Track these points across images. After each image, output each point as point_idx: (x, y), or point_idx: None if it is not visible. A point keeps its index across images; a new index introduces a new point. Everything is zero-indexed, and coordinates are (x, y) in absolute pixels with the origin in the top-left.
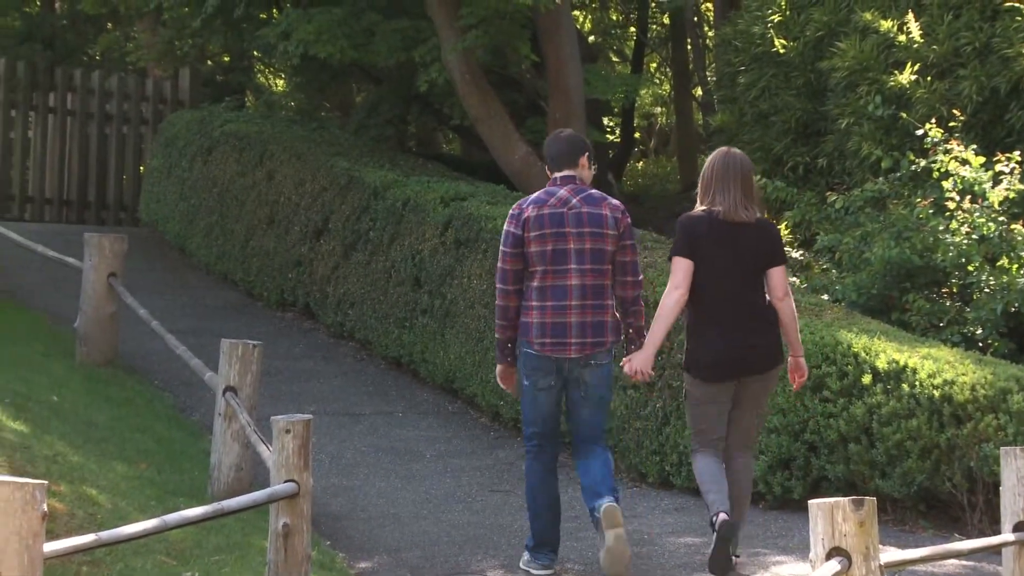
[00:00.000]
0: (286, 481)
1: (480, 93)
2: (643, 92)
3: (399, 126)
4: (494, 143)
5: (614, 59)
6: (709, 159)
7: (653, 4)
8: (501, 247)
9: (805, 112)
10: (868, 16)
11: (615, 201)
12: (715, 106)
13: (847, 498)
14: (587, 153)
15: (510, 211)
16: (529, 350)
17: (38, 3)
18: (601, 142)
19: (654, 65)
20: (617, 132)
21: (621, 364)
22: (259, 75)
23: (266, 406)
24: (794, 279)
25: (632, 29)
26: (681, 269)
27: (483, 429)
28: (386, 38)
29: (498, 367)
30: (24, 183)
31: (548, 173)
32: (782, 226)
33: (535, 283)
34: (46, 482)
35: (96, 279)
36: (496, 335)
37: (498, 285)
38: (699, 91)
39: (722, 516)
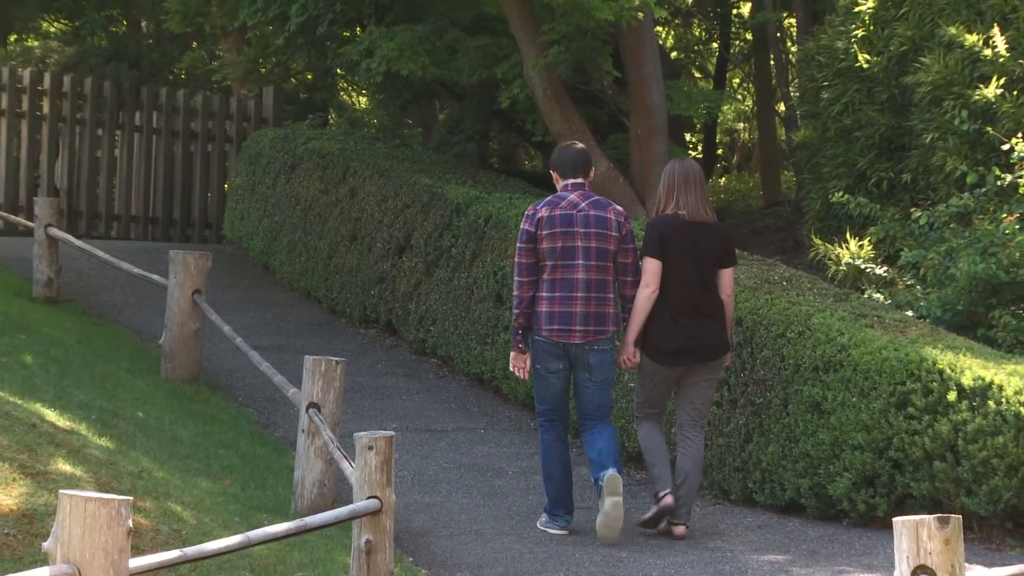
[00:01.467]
0: (369, 497)
1: (562, 109)
2: (725, 108)
3: (481, 143)
4: None
5: (696, 75)
6: (667, 169)
7: (736, 20)
8: (518, 243)
9: (889, 127)
10: (953, 30)
11: (618, 207)
12: (798, 121)
13: (932, 516)
14: (593, 167)
15: (526, 212)
16: (539, 337)
17: (124, 23)
18: (683, 158)
19: (737, 81)
20: (699, 148)
21: (620, 363)
22: (342, 93)
23: (349, 422)
24: (878, 295)
25: (715, 45)
26: (652, 269)
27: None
28: (468, 55)
29: (512, 353)
30: (110, 201)
31: (556, 179)
32: (865, 241)
33: (546, 276)
34: (131, 498)
35: (181, 296)
36: (514, 322)
37: (515, 277)
38: (782, 106)
39: (667, 499)
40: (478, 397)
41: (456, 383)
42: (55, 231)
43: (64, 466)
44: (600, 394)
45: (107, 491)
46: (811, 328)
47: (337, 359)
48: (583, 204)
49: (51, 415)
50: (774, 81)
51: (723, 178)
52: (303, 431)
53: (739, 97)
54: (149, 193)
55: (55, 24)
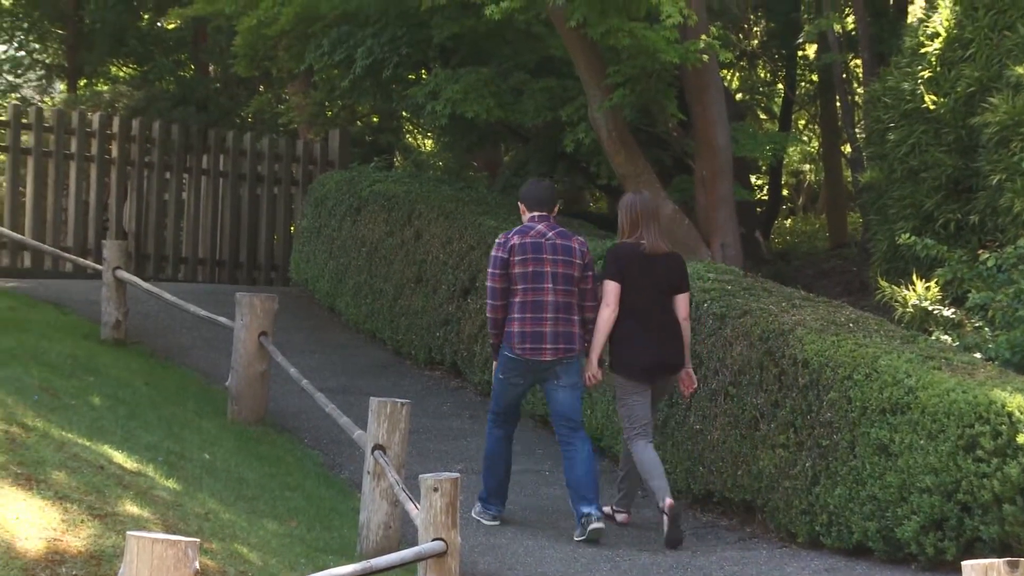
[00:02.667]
0: (434, 539)
1: (627, 151)
2: (791, 149)
3: None
4: None
5: (762, 116)
6: (628, 201)
7: (801, 61)
8: (490, 269)
9: (956, 168)
10: (1021, 70)
11: (580, 238)
12: (864, 163)
13: (1002, 559)
14: (558, 202)
15: (497, 240)
16: (510, 354)
17: (192, 67)
18: (748, 200)
19: (802, 122)
20: (765, 190)
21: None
22: (407, 135)
23: (414, 464)
24: (946, 337)
25: (780, 86)
26: (612, 291)
27: None
28: (533, 97)
29: (495, 364)
30: (178, 244)
31: (523, 210)
32: (932, 283)
33: (517, 299)
34: (198, 540)
35: (247, 338)
36: (490, 341)
37: (488, 301)
38: (848, 148)
39: (668, 501)
40: (543, 439)
41: (522, 425)
42: (123, 274)
43: (132, 508)
44: (570, 396)
45: (174, 533)
46: (878, 370)
47: (402, 401)
48: (550, 234)
49: (119, 457)
50: (840, 122)
51: (789, 220)
52: (369, 473)
53: (805, 139)
54: (216, 236)
55: (124, 69)
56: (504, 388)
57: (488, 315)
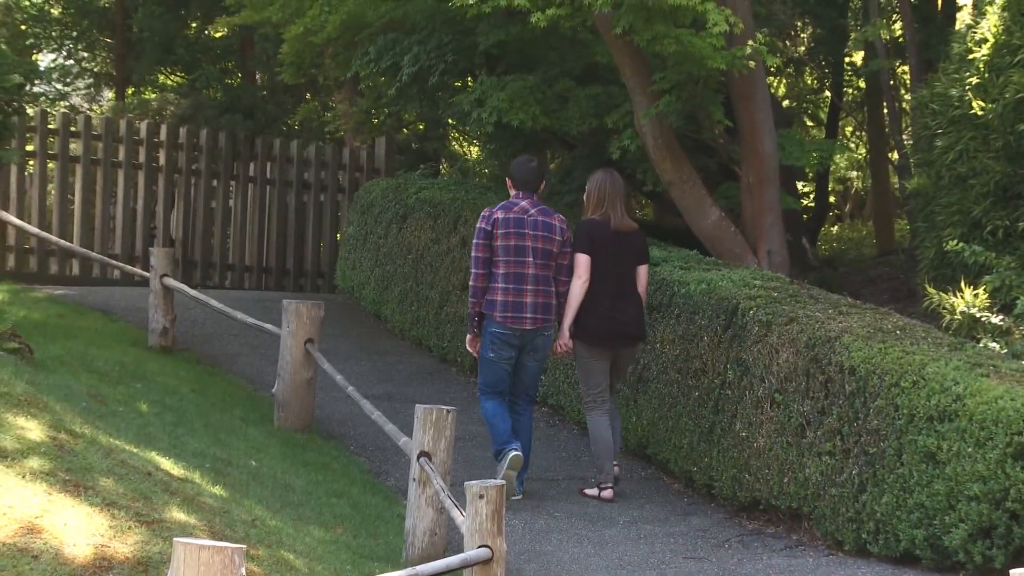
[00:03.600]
0: (480, 546)
1: (673, 158)
2: (838, 157)
3: None
4: (687, 208)
5: (809, 123)
6: (599, 178)
7: (848, 68)
8: (474, 240)
9: (1004, 175)
10: None
11: (560, 216)
12: (911, 169)
13: None
14: (544, 181)
15: (482, 213)
16: (495, 326)
17: (239, 75)
18: (795, 208)
19: (849, 129)
20: (811, 197)
21: (554, 350)
22: (453, 142)
23: (460, 471)
24: (994, 345)
25: (827, 93)
26: (583, 263)
27: (676, 495)
28: (579, 104)
29: (468, 336)
30: (224, 251)
31: (510, 186)
32: (980, 290)
33: (500, 271)
34: (244, 546)
35: (294, 345)
36: (469, 309)
37: (472, 270)
38: (895, 154)
39: (608, 493)
40: (588, 446)
41: (567, 432)
42: (170, 281)
43: (178, 514)
44: (535, 371)
45: (221, 539)
46: (925, 378)
47: (448, 408)
48: (532, 211)
49: (166, 463)
50: (887, 129)
51: (836, 227)
52: (414, 480)
53: (852, 145)
54: (263, 243)
55: (172, 77)
56: (494, 366)
57: (471, 283)
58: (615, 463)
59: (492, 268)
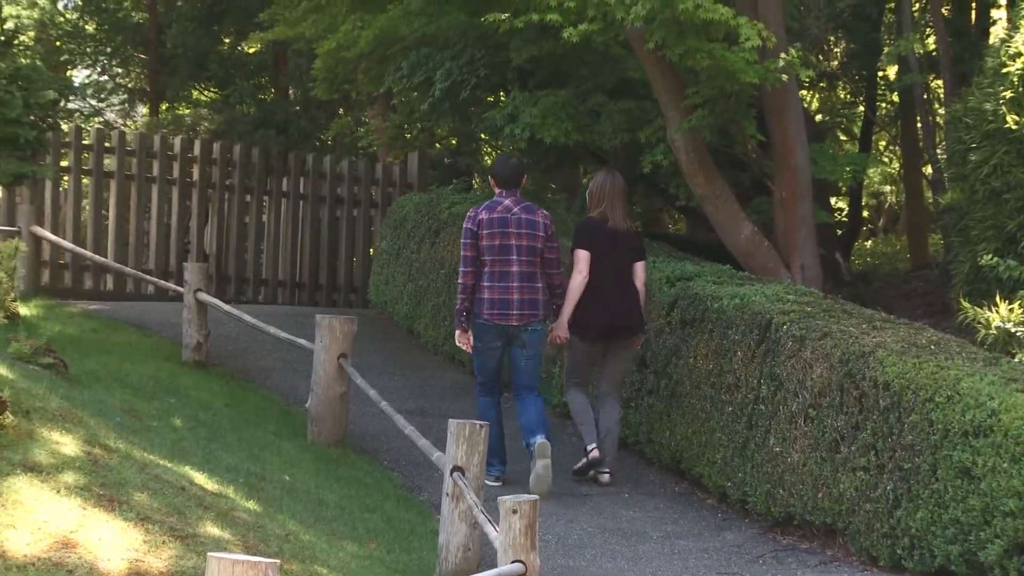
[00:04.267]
0: (513, 561)
1: (705, 172)
2: (871, 171)
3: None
4: (720, 222)
5: (842, 138)
6: (600, 179)
7: (882, 82)
8: (462, 240)
9: None
10: None
11: (544, 212)
12: (945, 184)
13: None
14: (524, 177)
15: (468, 214)
16: (481, 321)
17: (272, 91)
18: (828, 222)
19: (883, 143)
20: (845, 211)
21: (549, 341)
22: (486, 157)
23: (493, 487)
24: None
25: (860, 107)
26: (583, 259)
27: (710, 510)
28: (611, 119)
29: (457, 332)
30: (258, 266)
31: (493, 184)
32: (1015, 305)
33: (487, 269)
34: (278, 561)
35: (327, 360)
36: (457, 306)
37: (460, 268)
38: (929, 169)
39: (594, 453)
40: (622, 461)
41: None
42: (204, 296)
43: (212, 529)
44: (530, 365)
45: (254, 554)
46: (960, 392)
47: (481, 423)
48: (516, 209)
49: (200, 478)
50: (921, 143)
51: (869, 241)
52: (447, 494)
53: (885, 160)
54: (296, 258)
55: (205, 92)
56: (483, 356)
57: (459, 281)
58: (597, 447)
59: (480, 267)
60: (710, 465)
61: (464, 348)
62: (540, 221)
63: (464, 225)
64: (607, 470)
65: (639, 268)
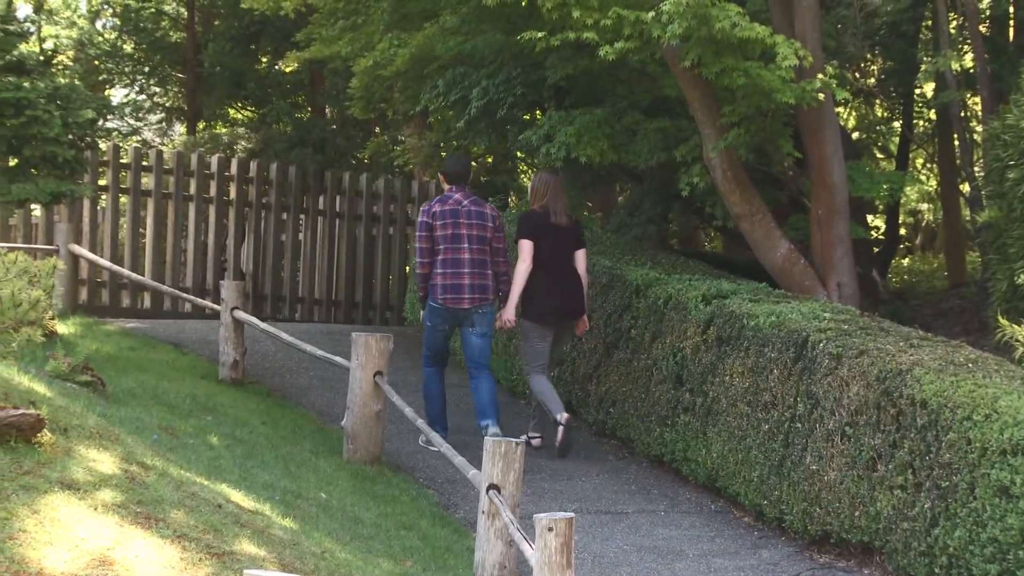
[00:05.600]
0: None
1: (742, 191)
2: (908, 189)
3: (661, 224)
4: (756, 241)
5: (879, 155)
6: (542, 177)
7: (919, 99)
8: (418, 233)
9: None
10: None
11: (491, 205)
12: (983, 201)
13: None
14: (471, 173)
15: (422, 208)
16: (434, 303)
17: (309, 109)
18: (865, 239)
19: (920, 161)
20: (882, 229)
21: (498, 326)
22: (522, 175)
23: (529, 504)
24: None
25: (897, 125)
26: (527, 248)
27: (746, 528)
28: (647, 137)
29: (422, 313)
30: (294, 284)
31: (443, 181)
32: None
33: (440, 257)
34: None
35: (363, 378)
36: (420, 295)
37: (417, 259)
38: (966, 186)
39: (564, 415)
40: (658, 479)
41: (636, 465)
42: (241, 314)
43: (249, 546)
44: (482, 343)
45: (290, 572)
46: (998, 411)
47: (517, 440)
48: (465, 202)
49: (236, 496)
50: (958, 161)
51: (907, 259)
52: (483, 512)
53: (922, 177)
54: (332, 276)
55: (242, 111)
56: (433, 335)
57: (417, 271)
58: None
59: (434, 256)
60: (746, 483)
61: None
62: (488, 213)
63: (419, 219)
64: (540, 435)
65: (580, 256)
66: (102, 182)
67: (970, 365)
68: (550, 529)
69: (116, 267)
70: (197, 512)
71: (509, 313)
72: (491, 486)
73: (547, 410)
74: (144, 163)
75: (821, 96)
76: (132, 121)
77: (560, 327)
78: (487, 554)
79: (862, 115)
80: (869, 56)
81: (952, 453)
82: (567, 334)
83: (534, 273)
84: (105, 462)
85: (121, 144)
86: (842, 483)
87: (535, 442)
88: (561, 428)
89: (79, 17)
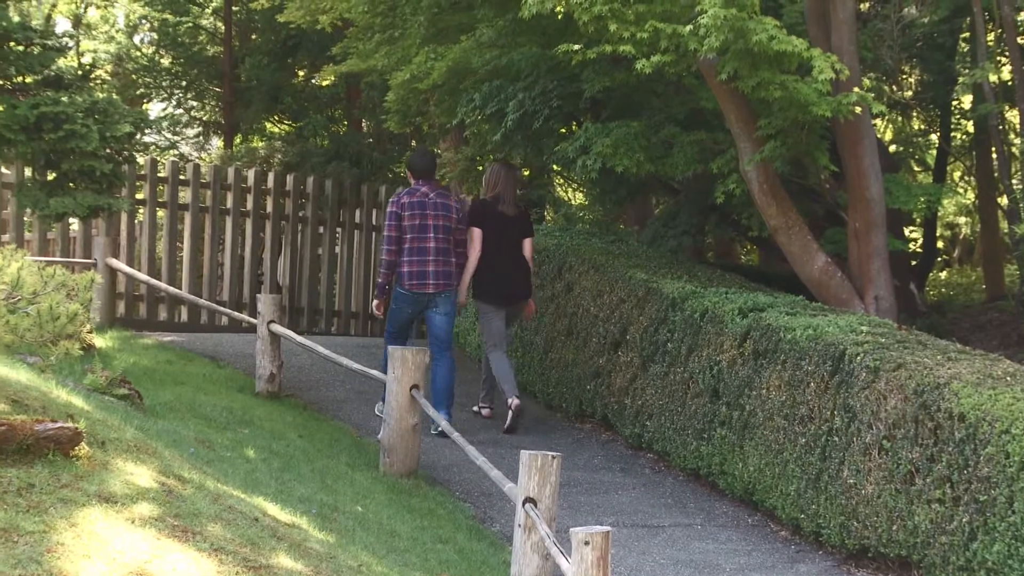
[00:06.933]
0: None
1: (778, 203)
2: (946, 201)
3: (696, 237)
4: (793, 254)
5: (916, 168)
6: (494, 169)
7: (956, 112)
8: (386, 222)
9: None
10: None
11: (456, 198)
12: (1021, 214)
13: None
14: (436, 168)
15: (391, 199)
16: (401, 290)
17: (345, 123)
18: (903, 252)
19: (957, 174)
20: (919, 242)
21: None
22: (558, 188)
23: (565, 517)
24: None
25: (934, 138)
26: (476, 236)
27: (783, 542)
28: (683, 150)
29: (375, 302)
30: (331, 298)
31: (411, 177)
32: None
33: (407, 245)
34: None
35: (399, 391)
36: (380, 280)
37: (384, 247)
38: (1004, 199)
39: (516, 402)
40: (695, 492)
41: (672, 478)
42: (277, 327)
43: (285, 560)
44: (444, 320)
45: None
46: None
47: (553, 454)
48: (431, 194)
49: (273, 509)
50: (996, 174)
51: (944, 272)
52: (520, 526)
53: (960, 190)
54: (368, 289)
55: (279, 125)
56: (398, 316)
57: (383, 257)
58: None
59: (400, 244)
60: (783, 497)
61: (377, 314)
62: (452, 205)
63: (388, 209)
64: (490, 405)
65: (527, 244)
66: (139, 196)
67: (1008, 378)
68: (586, 543)
69: (153, 280)
70: (234, 525)
71: (461, 296)
72: (527, 499)
73: (501, 390)
74: (181, 177)
75: (858, 109)
76: (169, 135)
77: (509, 308)
78: (523, 568)
79: (899, 127)
80: (906, 68)
81: (990, 467)
82: (515, 315)
83: (483, 258)
84: (142, 475)
85: (158, 158)
86: (880, 497)
87: (484, 412)
88: (511, 413)
89: (117, 32)
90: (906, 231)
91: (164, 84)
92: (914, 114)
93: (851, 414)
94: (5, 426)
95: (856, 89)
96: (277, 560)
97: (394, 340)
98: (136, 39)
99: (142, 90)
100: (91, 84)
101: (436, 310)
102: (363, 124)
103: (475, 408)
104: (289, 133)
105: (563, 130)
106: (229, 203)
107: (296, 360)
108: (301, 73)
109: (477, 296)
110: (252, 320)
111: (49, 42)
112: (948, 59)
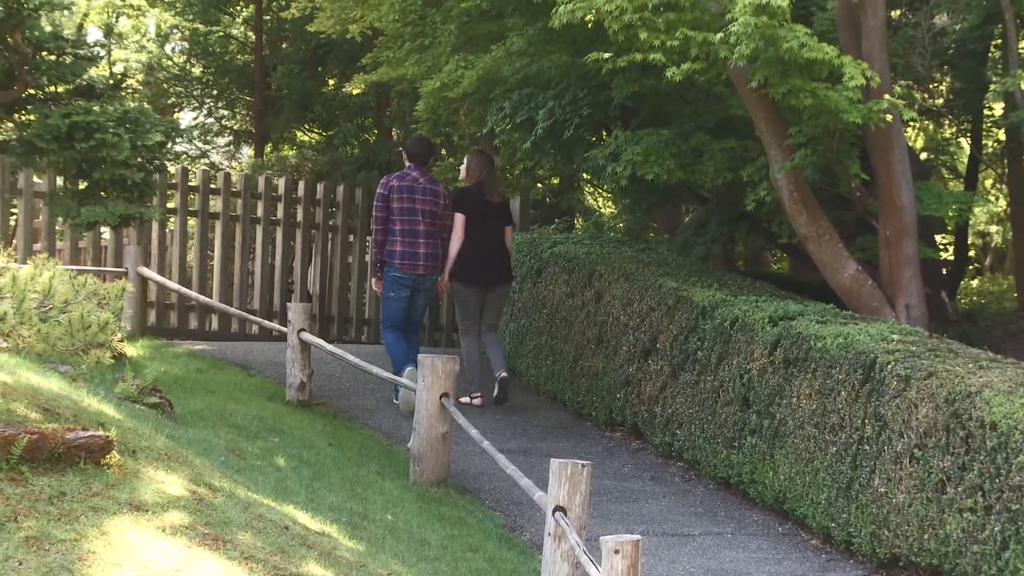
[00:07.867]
0: None
1: (808, 211)
2: (977, 209)
3: (727, 245)
4: (823, 261)
5: (947, 176)
6: (477, 158)
7: (988, 119)
8: (375, 203)
9: None
10: None
11: (444, 184)
12: None
13: None
14: (433, 157)
15: (381, 181)
16: (394, 271)
17: (375, 132)
18: (934, 260)
19: (989, 182)
20: (951, 250)
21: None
22: (588, 197)
23: (595, 526)
24: None
25: (965, 145)
26: (460, 222)
27: (814, 551)
28: (713, 158)
29: (373, 279)
30: (361, 306)
31: (405, 158)
32: None
33: (397, 227)
34: None
35: (429, 399)
36: (372, 259)
37: (374, 227)
38: None
39: (503, 374)
40: (725, 501)
41: (702, 487)
42: (307, 336)
43: (315, 568)
44: (423, 306)
45: None
46: None
47: (583, 462)
48: (421, 180)
49: (303, 517)
50: None
51: (976, 280)
52: (549, 534)
53: (992, 198)
54: None
55: (309, 134)
56: (391, 303)
57: (374, 237)
58: (503, 371)
59: (390, 225)
60: (814, 506)
61: (376, 291)
62: (440, 191)
63: (378, 191)
64: (479, 393)
65: (507, 231)
66: (171, 205)
67: None
68: (617, 552)
69: (184, 289)
70: (264, 534)
71: (444, 278)
72: (557, 508)
73: (467, 377)
74: (212, 186)
75: (888, 117)
76: (200, 144)
77: (488, 292)
78: None
79: (930, 135)
80: (937, 76)
81: (1022, 476)
82: (497, 299)
83: (466, 243)
84: (173, 484)
85: (189, 167)
86: (911, 506)
87: (476, 401)
88: (470, 404)
89: (148, 41)
90: (937, 239)
91: (195, 93)
92: (945, 121)
93: (882, 423)
94: (37, 435)
95: (887, 96)
96: (307, 568)
97: (390, 330)
98: (167, 48)
99: (173, 99)
100: (122, 93)
101: (421, 294)
102: (393, 133)
103: (465, 399)
104: (319, 142)
105: (593, 138)
106: (259, 212)
107: (326, 368)
108: (331, 82)
109: (455, 277)
110: (282, 328)
111: (81, 52)
112: (979, 66)
